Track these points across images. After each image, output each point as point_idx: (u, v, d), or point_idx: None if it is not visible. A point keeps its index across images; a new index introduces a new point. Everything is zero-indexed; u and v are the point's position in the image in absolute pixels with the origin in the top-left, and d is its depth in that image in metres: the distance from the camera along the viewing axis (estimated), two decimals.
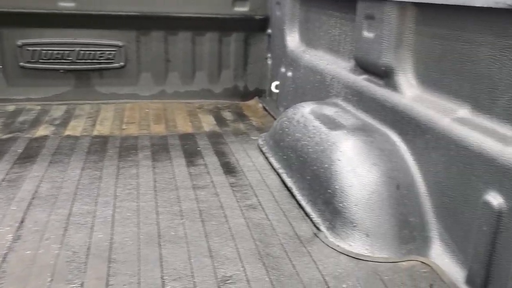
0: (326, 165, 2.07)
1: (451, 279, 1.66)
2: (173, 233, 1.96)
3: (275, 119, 3.73)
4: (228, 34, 4.13)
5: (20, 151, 2.81)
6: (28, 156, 2.73)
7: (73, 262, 1.73)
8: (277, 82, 3.94)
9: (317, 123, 2.39)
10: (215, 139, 3.22)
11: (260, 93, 4.35)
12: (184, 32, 4.02)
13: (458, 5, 1.73)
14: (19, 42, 3.72)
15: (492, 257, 1.51)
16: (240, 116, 3.86)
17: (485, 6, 1.56)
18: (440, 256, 1.75)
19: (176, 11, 3.91)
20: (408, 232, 1.82)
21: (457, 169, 1.69)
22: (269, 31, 4.15)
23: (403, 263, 1.75)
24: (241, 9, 4.05)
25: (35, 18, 3.67)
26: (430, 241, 1.81)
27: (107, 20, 3.80)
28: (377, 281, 1.64)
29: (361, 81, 2.49)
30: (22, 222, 2.00)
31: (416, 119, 1.94)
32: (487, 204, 1.51)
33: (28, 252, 1.78)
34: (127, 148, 2.95)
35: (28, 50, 3.75)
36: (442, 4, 1.83)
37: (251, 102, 4.30)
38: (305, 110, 2.61)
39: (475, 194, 1.59)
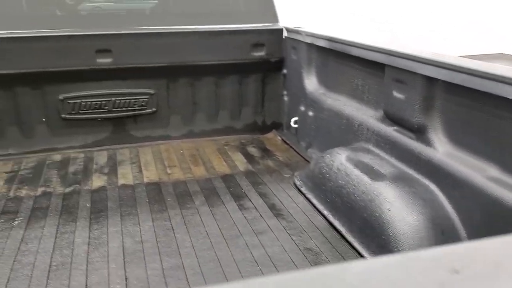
0: (377, 214, 2.49)
1: None
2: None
3: (296, 152, 4.16)
4: (247, 76, 4.52)
5: (88, 205, 3.14)
6: (98, 211, 3.06)
7: None
8: (295, 118, 4.35)
9: (358, 172, 2.80)
10: (253, 179, 3.60)
11: (277, 126, 4.76)
12: (208, 77, 4.40)
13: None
14: (61, 97, 4.03)
15: None
16: (265, 151, 4.25)
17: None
18: None
19: (200, 60, 4.28)
20: None
21: (493, 220, 2.13)
22: (284, 71, 4.55)
23: None
24: (259, 53, 4.44)
25: (76, 74, 3.98)
26: None
27: (139, 71, 4.15)
28: None
29: (392, 131, 2.91)
30: (126, 279, 2.36)
31: (452, 174, 2.37)
32: None
33: None
34: (182, 195, 3.31)
35: (69, 103, 4.06)
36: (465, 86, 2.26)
37: (270, 135, 4.70)
38: (342, 158, 3.02)
39: None
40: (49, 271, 2.42)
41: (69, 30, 3.95)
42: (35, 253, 2.58)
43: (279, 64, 4.54)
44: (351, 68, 3.50)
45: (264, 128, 4.73)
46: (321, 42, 3.74)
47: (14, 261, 2.51)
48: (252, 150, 4.28)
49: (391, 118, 2.93)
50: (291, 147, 4.32)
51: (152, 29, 4.13)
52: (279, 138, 4.59)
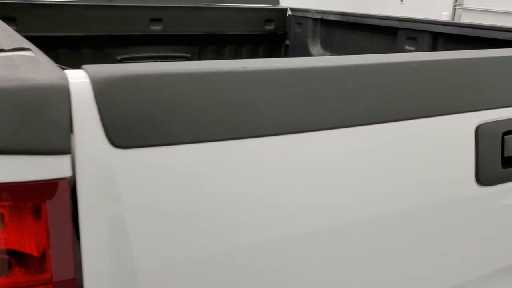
0: None
1: None
2: None
3: None
4: (258, 46, 5.60)
5: None
6: None
7: None
8: None
9: None
10: None
11: None
12: (230, 46, 5.41)
13: None
14: (119, 57, 4.79)
15: None
16: None
17: None
18: None
19: (226, 31, 5.27)
20: None
21: None
22: (287, 42, 5.70)
23: None
24: (269, 27, 5.55)
25: (132, 38, 4.78)
26: None
27: (181, 38, 5.04)
28: None
29: None
30: None
31: None
32: None
33: None
34: None
35: (124, 62, 4.84)
36: None
37: None
38: None
39: None
40: None
41: (129, 1, 4.74)
42: None
43: (283, 37, 5.68)
44: (358, 35, 4.76)
45: None
46: (331, 17, 4.96)
47: None
48: None
49: None
50: None
51: (193, 3, 5.06)
52: None
